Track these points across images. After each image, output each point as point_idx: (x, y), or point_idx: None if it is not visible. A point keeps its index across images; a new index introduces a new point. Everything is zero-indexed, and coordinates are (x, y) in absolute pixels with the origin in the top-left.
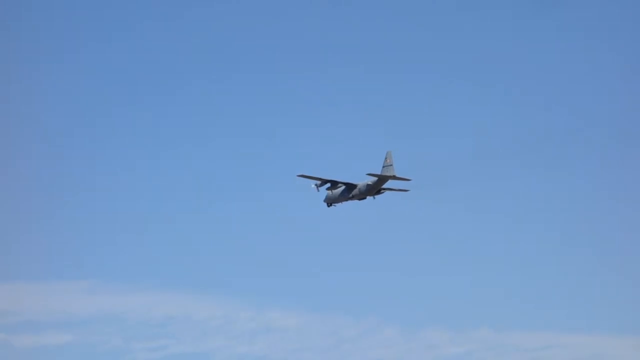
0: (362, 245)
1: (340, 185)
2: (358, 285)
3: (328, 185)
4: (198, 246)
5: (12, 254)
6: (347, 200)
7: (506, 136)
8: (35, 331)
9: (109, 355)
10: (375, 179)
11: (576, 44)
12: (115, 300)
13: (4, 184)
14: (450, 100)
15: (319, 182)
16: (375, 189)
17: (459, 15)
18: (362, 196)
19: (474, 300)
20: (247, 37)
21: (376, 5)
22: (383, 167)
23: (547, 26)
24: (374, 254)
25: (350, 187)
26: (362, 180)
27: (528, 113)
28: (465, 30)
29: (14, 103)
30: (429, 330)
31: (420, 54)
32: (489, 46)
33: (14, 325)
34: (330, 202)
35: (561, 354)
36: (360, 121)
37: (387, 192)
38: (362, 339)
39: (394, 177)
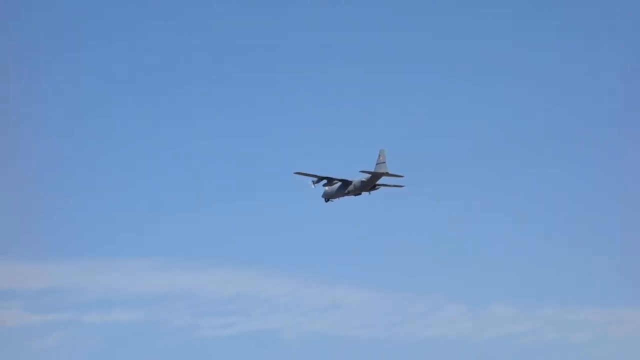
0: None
1: (336, 181)
2: (423, 262)
3: (325, 181)
4: (268, 225)
5: (79, 232)
6: (343, 196)
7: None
8: (106, 308)
9: (179, 331)
10: (369, 175)
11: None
12: (186, 277)
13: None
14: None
15: (315, 179)
16: (369, 185)
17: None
18: (357, 192)
19: (540, 277)
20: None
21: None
22: (376, 164)
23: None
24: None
25: (345, 183)
26: (358, 177)
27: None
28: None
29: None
30: (496, 307)
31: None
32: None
33: (84, 303)
34: (327, 197)
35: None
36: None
37: (383, 187)
38: (427, 316)
39: (387, 174)
